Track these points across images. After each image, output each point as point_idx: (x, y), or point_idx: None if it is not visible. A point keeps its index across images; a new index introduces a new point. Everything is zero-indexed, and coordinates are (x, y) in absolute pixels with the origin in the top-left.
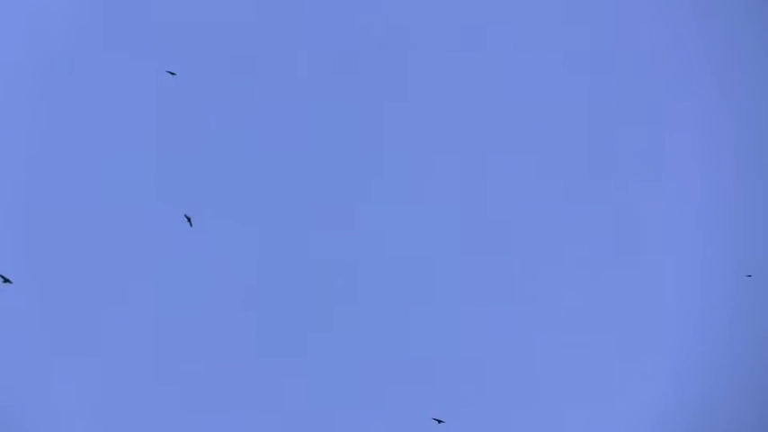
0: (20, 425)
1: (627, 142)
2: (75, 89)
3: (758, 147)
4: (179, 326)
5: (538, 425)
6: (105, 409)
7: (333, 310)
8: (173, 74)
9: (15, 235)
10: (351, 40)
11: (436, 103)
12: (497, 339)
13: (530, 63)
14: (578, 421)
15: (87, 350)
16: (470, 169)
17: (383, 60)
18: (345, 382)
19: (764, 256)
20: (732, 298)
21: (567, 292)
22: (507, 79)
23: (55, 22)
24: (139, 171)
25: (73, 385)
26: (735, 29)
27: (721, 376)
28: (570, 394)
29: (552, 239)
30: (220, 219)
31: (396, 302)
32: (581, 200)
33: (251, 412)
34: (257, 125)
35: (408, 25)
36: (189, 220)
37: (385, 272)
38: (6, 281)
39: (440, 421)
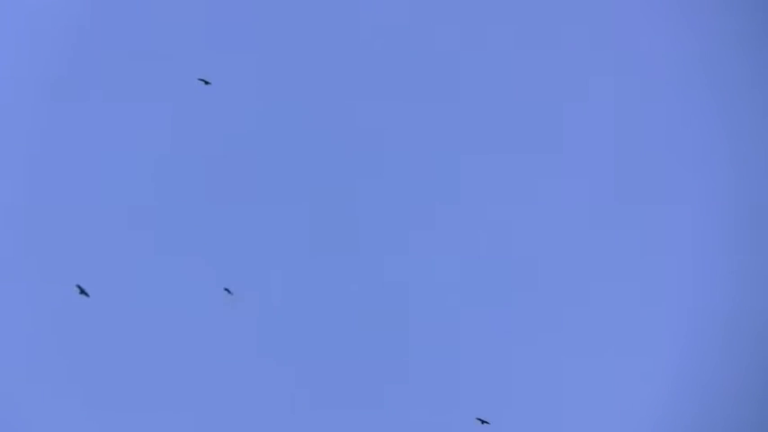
0: (20, 425)
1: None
2: (75, 90)
3: None
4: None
5: (537, 425)
6: (106, 409)
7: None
8: (207, 83)
9: (15, 235)
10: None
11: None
12: (497, 339)
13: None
14: (578, 421)
15: (87, 350)
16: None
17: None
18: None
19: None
20: (732, 298)
21: (567, 292)
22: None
23: (55, 21)
24: (139, 171)
25: (73, 385)
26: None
27: (721, 376)
28: (570, 394)
29: (553, 240)
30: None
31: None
32: (581, 201)
33: None
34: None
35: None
36: (82, 290)
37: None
38: (83, 292)
39: (483, 422)
